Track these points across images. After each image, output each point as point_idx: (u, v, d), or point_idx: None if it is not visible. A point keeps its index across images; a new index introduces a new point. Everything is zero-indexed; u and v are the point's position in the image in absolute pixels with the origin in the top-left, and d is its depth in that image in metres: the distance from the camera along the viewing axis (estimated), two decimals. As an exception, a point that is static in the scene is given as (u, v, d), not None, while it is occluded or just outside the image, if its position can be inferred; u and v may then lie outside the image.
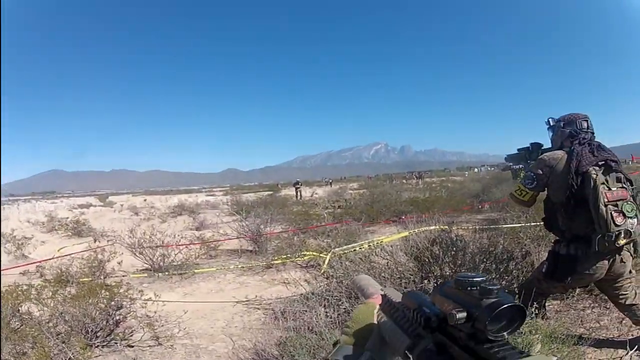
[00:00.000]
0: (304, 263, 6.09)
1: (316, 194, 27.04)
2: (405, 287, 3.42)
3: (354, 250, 5.31)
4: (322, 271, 4.99)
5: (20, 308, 3.33)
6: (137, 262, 6.66)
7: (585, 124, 2.61)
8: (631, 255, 2.47)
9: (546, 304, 2.89)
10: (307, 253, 6.27)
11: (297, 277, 4.86)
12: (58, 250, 9.18)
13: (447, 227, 4.71)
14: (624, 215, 2.33)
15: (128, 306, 3.65)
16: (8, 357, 2.83)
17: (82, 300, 3.32)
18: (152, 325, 3.54)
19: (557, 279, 2.53)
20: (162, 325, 3.87)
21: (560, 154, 2.55)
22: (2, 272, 5.28)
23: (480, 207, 11.06)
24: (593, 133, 2.62)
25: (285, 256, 6.41)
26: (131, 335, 3.58)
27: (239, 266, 6.40)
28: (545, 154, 2.65)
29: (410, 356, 0.59)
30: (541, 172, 2.56)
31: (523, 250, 3.89)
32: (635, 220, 2.37)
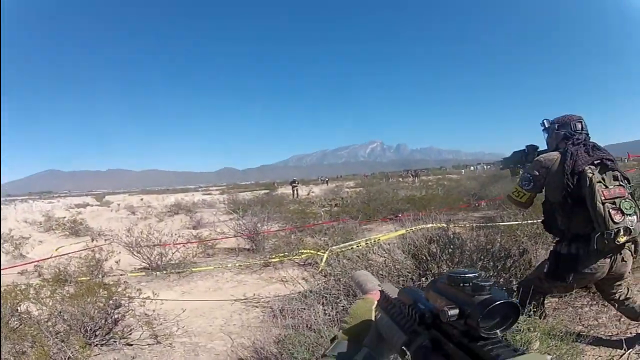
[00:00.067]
0: (301, 261, 6.10)
1: (313, 192, 27.04)
2: (402, 285, 3.44)
3: (352, 248, 5.33)
4: (320, 269, 5.00)
5: (19, 307, 3.32)
6: (134, 261, 6.65)
7: (579, 125, 2.63)
8: (632, 254, 2.47)
9: (545, 302, 2.91)
10: (305, 251, 6.29)
11: (295, 275, 4.87)
12: (56, 250, 9.15)
13: (444, 225, 4.73)
14: (622, 212, 2.33)
15: (126, 305, 3.65)
16: (7, 356, 2.83)
17: (81, 299, 3.33)
18: (150, 323, 3.54)
19: (559, 278, 2.53)
20: (161, 324, 3.87)
21: (556, 155, 2.56)
22: (0, 271, 5.26)
23: (477, 205, 11.09)
24: (587, 134, 2.63)
25: (282, 254, 6.42)
26: (130, 334, 3.58)
27: (237, 264, 6.40)
28: (541, 155, 2.67)
29: (408, 352, 0.58)
30: (538, 174, 2.57)
31: (520, 247, 3.91)
32: (635, 217, 2.36)
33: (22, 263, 7.54)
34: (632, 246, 2.45)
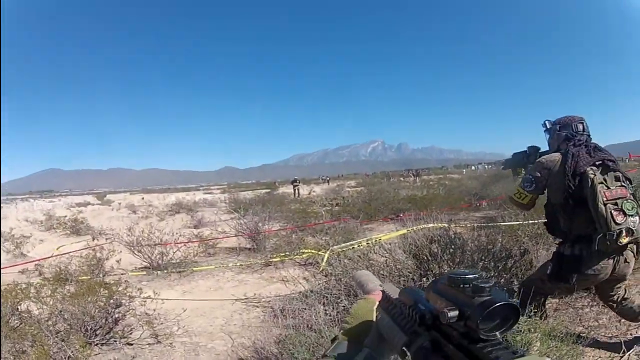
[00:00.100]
0: (302, 261, 6.10)
1: (314, 191, 27.03)
2: (403, 285, 3.43)
3: (353, 247, 5.32)
4: (321, 269, 4.99)
5: (19, 306, 3.33)
6: (135, 260, 6.66)
7: (580, 127, 2.62)
8: (634, 255, 2.46)
9: (546, 303, 2.90)
10: (306, 251, 6.28)
11: (296, 275, 4.87)
12: (57, 249, 9.16)
13: (445, 224, 4.72)
14: (624, 213, 2.32)
15: (127, 304, 3.65)
16: (8, 355, 2.84)
17: (81, 299, 3.33)
18: (151, 323, 3.55)
19: (562, 279, 2.52)
20: (161, 323, 3.87)
21: (557, 156, 2.56)
22: (1, 270, 5.27)
23: (478, 204, 11.08)
24: (589, 135, 2.63)
25: (283, 254, 6.42)
26: (130, 333, 3.59)
27: (238, 264, 6.41)
28: (542, 156, 2.66)
29: (408, 353, 0.58)
30: (539, 175, 2.57)
31: (521, 248, 3.90)
32: (637, 218, 2.35)
33: (23, 262, 7.56)
34: (635, 247, 2.44)
